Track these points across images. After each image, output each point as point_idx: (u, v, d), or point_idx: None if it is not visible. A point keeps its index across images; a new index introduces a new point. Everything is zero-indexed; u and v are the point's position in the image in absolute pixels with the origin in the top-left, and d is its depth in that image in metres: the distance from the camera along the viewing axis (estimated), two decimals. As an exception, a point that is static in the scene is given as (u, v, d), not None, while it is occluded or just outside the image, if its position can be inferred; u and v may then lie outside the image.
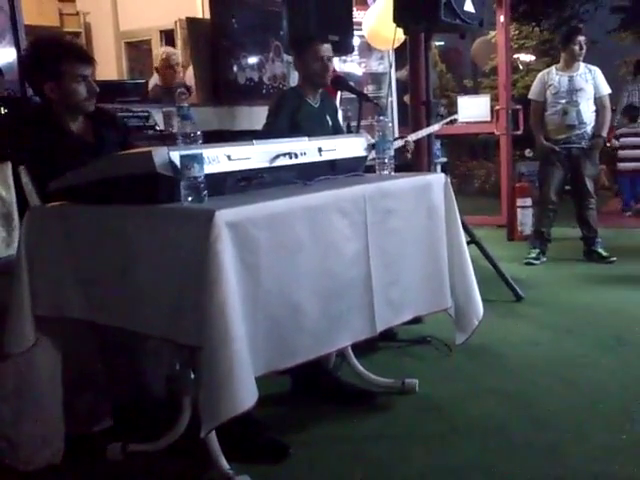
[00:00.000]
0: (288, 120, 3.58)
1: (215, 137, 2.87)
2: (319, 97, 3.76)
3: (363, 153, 2.77)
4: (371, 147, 2.79)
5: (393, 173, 2.78)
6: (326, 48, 3.68)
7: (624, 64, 15.34)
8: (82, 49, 2.93)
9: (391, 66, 6.55)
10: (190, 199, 2.03)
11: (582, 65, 5.57)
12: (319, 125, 3.69)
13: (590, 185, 5.57)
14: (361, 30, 6.15)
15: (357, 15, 6.00)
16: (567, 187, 5.85)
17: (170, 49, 5.94)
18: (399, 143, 4.08)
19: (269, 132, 3.52)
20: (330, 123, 3.81)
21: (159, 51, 5.96)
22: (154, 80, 5.71)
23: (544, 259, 5.63)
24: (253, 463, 2.36)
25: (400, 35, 4.45)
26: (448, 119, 4.41)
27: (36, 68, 2.73)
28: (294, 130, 3.46)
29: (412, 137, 4.25)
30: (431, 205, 2.69)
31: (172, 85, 5.38)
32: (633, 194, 8.37)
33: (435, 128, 4.33)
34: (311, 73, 3.67)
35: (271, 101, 3.84)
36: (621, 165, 8.40)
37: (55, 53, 2.69)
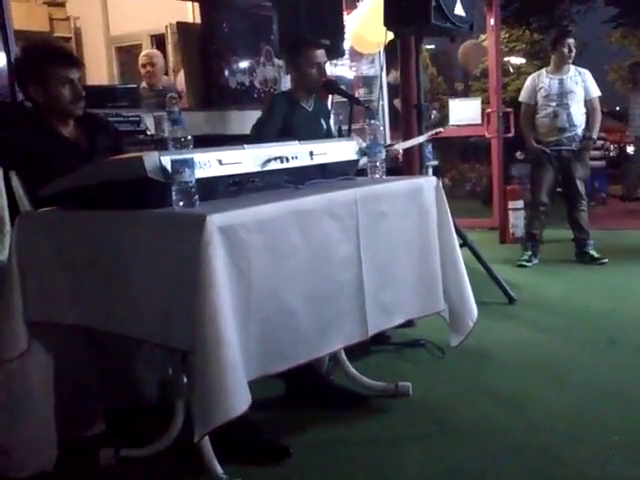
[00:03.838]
0: (279, 123, 3.58)
1: (206, 141, 2.86)
2: (313, 100, 3.77)
3: (354, 157, 2.77)
4: (362, 152, 2.78)
5: (384, 177, 2.78)
6: (320, 53, 3.68)
7: (612, 69, 15.40)
8: (68, 52, 2.92)
9: (382, 69, 6.56)
10: (181, 204, 2.03)
11: (572, 68, 5.60)
12: (314, 128, 3.69)
13: (581, 187, 5.59)
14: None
15: (347, 19, 6.01)
16: (558, 189, 5.88)
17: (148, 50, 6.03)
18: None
19: (259, 134, 3.52)
20: (325, 126, 3.82)
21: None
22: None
23: (536, 261, 5.64)
24: (253, 465, 2.37)
25: (387, 37, 4.46)
26: (433, 131, 4.42)
27: (21, 70, 2.73)
28: (289, 135, 3.45)
29: (400, 146, 4.25)
30: (423, 208, 2.69)
31: (156, 86, 5.46)
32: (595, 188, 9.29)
33: (421, 139, 4.33)
34: (305, 78, 3.67)
35: (263, 105, 3.84)
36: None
37: (39, 55, 2.68)
